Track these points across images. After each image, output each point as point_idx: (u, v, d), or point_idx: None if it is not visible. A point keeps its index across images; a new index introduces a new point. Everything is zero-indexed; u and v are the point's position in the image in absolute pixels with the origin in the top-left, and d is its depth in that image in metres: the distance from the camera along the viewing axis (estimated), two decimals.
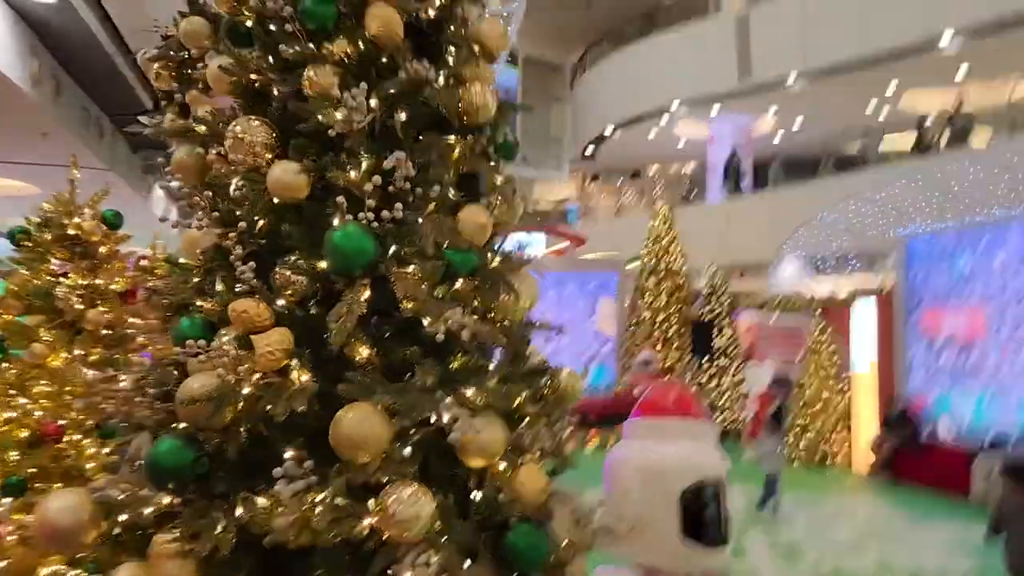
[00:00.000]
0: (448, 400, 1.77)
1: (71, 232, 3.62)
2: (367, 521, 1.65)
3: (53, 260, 3.61)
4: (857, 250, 15.16)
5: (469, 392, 1.82)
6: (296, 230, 1.86)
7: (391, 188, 1.88)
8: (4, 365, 3.48)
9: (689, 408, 2.39)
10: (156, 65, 2.68)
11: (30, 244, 3.64)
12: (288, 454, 1.66)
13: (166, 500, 1.69)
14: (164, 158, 2.20)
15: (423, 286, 1.84)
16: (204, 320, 1.84)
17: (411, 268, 1.85)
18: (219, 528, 1.66)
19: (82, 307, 3.55)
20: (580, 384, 2.04)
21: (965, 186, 12.21)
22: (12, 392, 3.43)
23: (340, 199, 1.81)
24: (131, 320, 3.73)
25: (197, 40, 2.29)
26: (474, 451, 1.81)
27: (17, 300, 3.52)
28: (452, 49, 2.06)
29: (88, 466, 3.36)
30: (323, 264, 1.81)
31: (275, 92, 1.93)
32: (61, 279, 3.56)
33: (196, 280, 1.92)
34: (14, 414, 3.39)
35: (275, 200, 1.86)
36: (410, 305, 1.83)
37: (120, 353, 3.65)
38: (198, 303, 1.86)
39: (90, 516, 1.65)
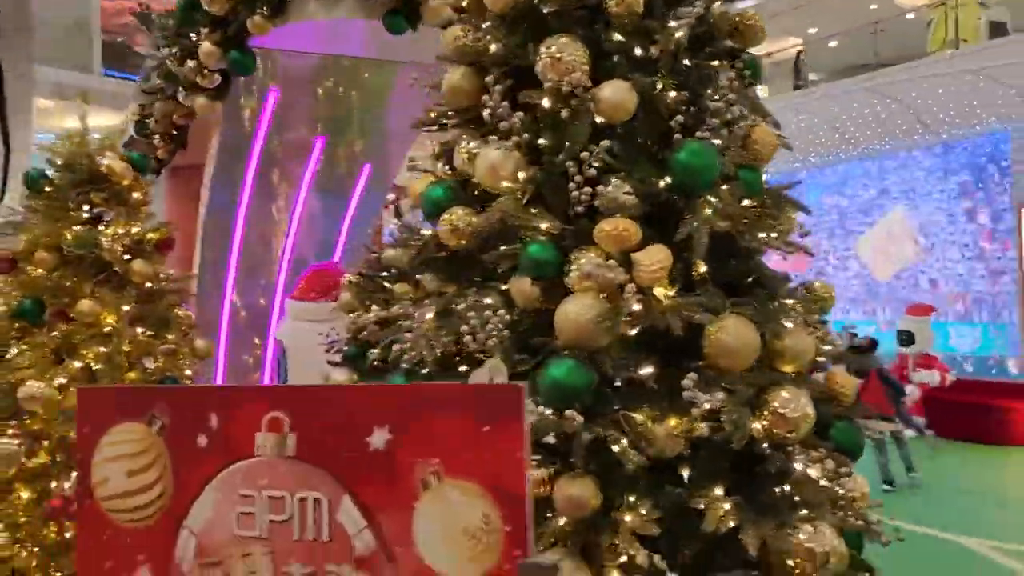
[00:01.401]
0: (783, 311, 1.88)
1: (101, 174, 3.22)
2: (756, 425, 1.74)
3: (84, 207, 3.19)
4: None
5: (789, 302, 1.94)
6: (623, 149, 1.86)
7: (694, 108, 1.92)
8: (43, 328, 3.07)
9: None
10: None
11: (51, 190, 3.20)
12: (690, 376, 1.69)
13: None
14: None
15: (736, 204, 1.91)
16: (552, 242, 1.79)
17: (724, 187, 1.92)
18: (619, 445, 1.68)
19: (129, 258, 3.19)
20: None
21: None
22: (61, 356, 3.05)
23: (679, 118, 1.83)
24: (168, 273, 3.41)
25: None
26: (791, 358, 1.93)
27: (51, 253, 3.10)
28: None
29: None
30: (661, 183, 1.83)
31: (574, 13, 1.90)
32: (101, 228, 3.17)
33: (521, 202, 1.85)
34: (63, 380, 3.01)
35: (598, 120, 1.85)
36: (725, 224, 1.89)
37: (161, 308, 3.33)
38: (541, 225, 1.80)
39: None
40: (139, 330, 3.21)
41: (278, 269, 4.95)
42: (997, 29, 11.31)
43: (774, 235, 1.97)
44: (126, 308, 3.18)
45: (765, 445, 1.75)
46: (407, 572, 1.12)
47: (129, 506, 1.29)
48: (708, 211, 1.83)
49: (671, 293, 1.78)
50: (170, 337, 3.29)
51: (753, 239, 1.92)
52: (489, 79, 1.93)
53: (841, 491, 1.84)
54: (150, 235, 3.32)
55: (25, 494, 2.93)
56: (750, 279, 1.97)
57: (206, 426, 1.24)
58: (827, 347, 2.07)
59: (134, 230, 3.26)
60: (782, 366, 1.94)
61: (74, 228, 3.12)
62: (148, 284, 3.27)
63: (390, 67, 4.40)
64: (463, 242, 1.92)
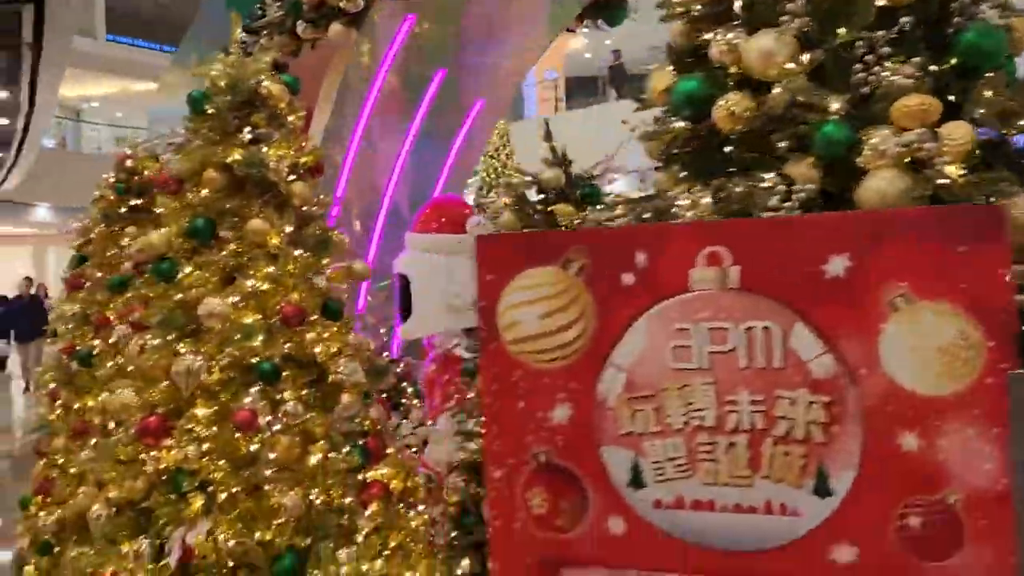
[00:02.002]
0: None
1: (260, 96, 3.21)
2: None
3: (246, 129, 3.18)
4: None
5: None
6: (904, 31, 1.87)
7: None
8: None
9: None
10: None
11: (213, 112, 3.19)
12: None
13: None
14: None
15: None
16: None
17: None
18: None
19: (293, 180, 3.19)
20: None
21: None
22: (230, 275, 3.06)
23: None
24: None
25: None
26: None
27: (220, 173, 3.10)
28: None
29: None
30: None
31: None
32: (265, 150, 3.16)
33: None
34: (236, 298, 3.02)
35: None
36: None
37: (317, 231, 3.34)
38: (832, 106, 1.82)
39: None
40: (298, 252, 3.22)
41: (377, 212, 4.94)
42: None
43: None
44: (288, 229, 3.19)
45: None
46: (872, 392, 1.16)
47: (543, 347, 1.32)
48: (988, 93, 1.86)
49: (962, 172, 1.81)
50: (327, 260, 3.31)
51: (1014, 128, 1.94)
52: None
53: None
54: (304, 158, 3.32)
55: (204, 410, 2.96)
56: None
57: (632, 265, 1.27)
58: None
59: (293, 152, 3.27)
60: None
61: (239, 149, 3.12)
62: (304, 207, 3.28)
63: None
64: (738, 127, 1.93)
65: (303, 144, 3.31)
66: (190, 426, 2.93)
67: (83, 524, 5.18)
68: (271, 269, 3.09)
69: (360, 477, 3.05)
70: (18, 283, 17.08)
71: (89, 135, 30.45)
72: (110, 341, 5.44)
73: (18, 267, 29.96)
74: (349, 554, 2.93)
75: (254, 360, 2.97)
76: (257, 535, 2.80)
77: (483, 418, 1.36)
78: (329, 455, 2.98)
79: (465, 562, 3.13)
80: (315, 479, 2.96)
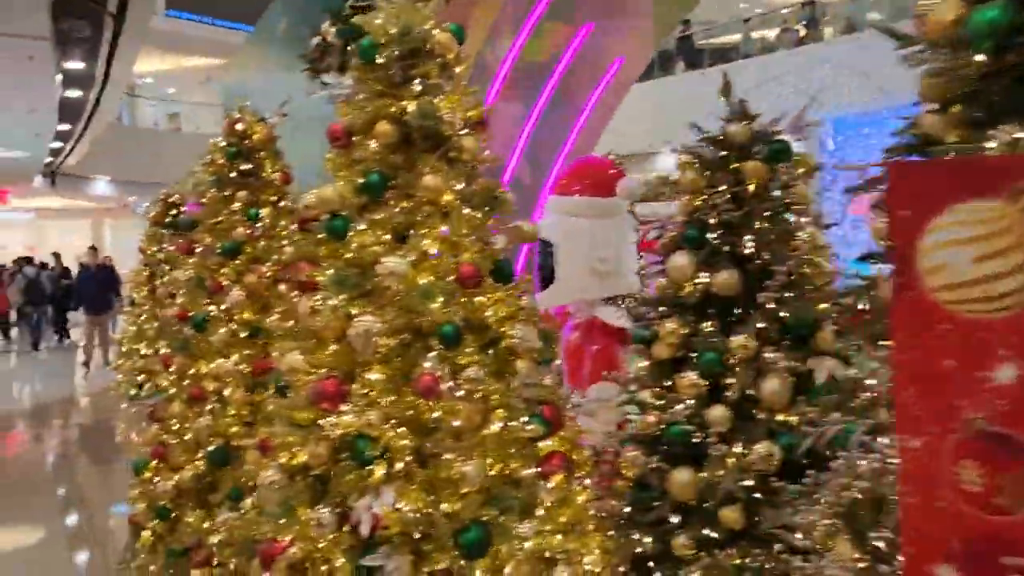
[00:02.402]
0: None
1: (430, 45, 3.03)
2: None
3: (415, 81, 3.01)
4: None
5: None
6: None
7: None
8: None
9: None
10: None
11: (381, 62, 3.02)
12: None
13: None
14: None
15: None
16: None
17: None
18: None
19: (465, 133, 3.02)
20: None
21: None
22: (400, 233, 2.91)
23: None
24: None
25: None
26: None
27: (392, 125, 2.94)
28: None
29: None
30: None
31: None
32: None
33: None
34: (412, 257, 2.86)
35: None
36: None
37: (485, 188, 3.17)
38: None
39: None
40: (466, 210, 3.06)
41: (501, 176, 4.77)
42: None
43: None
44: (459, 186, 3.02)
45: None
46: None
47: (981, 295, 1.12)
48: None
49: None
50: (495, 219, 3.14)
51: None
52: None
53: None
54: (471, 112, 3.14)
55: (379, 375, 2.82)
56: None
57: None
58: None
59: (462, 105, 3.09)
60: None
61: (412, 100, 2.95)
62: (474, 163, 3.11)
63: None
64: None
65: (471, 96, 3.12)
66: (364, 391, 2.80)
67: (200, 489, 5.15)
68: (444, 228, 2.93)
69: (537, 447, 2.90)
70: (81, 255, 17.12)
71: (144, 111, 30.71)
72: (223, 307, 5.38)
73: (76, 241, 30.53)
74: (531, 528, 2.79)
75: (431, 323, 2.82)
76: (444, 506, 2.66)
77: (893, 379, 1.18)
78: (509, 424, 2.83)
79: (647, 539, 2.97)
80: (495, 449, 2.82)
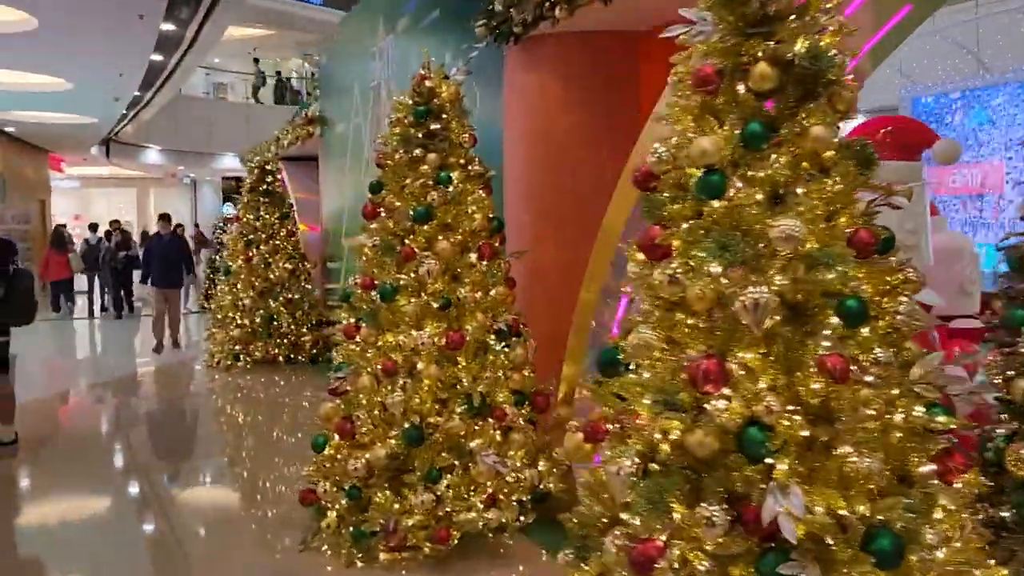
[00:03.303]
0: None
1: None
2: None
3: None
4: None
5: None
6: None
7: None
8: None
9: None
10: None
11: None
12: None
13: None
14: None
15: None
16: None
17: None
18: None
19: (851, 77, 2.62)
20: None
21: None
22: None
23: None
24: None
25: None
26: None
27: (773, 68, 2.53)
28: None
29: None
30: None
31: None
32: None
33: None
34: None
35: None
36: None
37: None
38: None
39: None
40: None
41: None
42: None
43: None
44: (837, 139, 2.62)
45: None
46: None
47: None
48: None
49: None
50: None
51: None
52: None
53: None
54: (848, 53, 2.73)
55: (751, 354, 2.44)
56: None
57: None
58: None
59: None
60: None
61: (790, 39, 2.54)
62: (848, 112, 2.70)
63: None
64: None
65: (850, 36, 2.70)
66: (744, 372, 2.42)
67: (390, 467, 4.78)
68: (825, 185, 2.53)
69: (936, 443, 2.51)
70: (150, 223, 16.49)
71: (193, 80, 30.36)
72: (413, 275, 5.01)
73: (122, 209, 30.34)
74: (937, 535, 2.41)
75: (825, 296, 2.43)
76: (860, 507, 2.29)
77: None
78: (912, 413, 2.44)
79: None
80: (897, 442, 2.44)
